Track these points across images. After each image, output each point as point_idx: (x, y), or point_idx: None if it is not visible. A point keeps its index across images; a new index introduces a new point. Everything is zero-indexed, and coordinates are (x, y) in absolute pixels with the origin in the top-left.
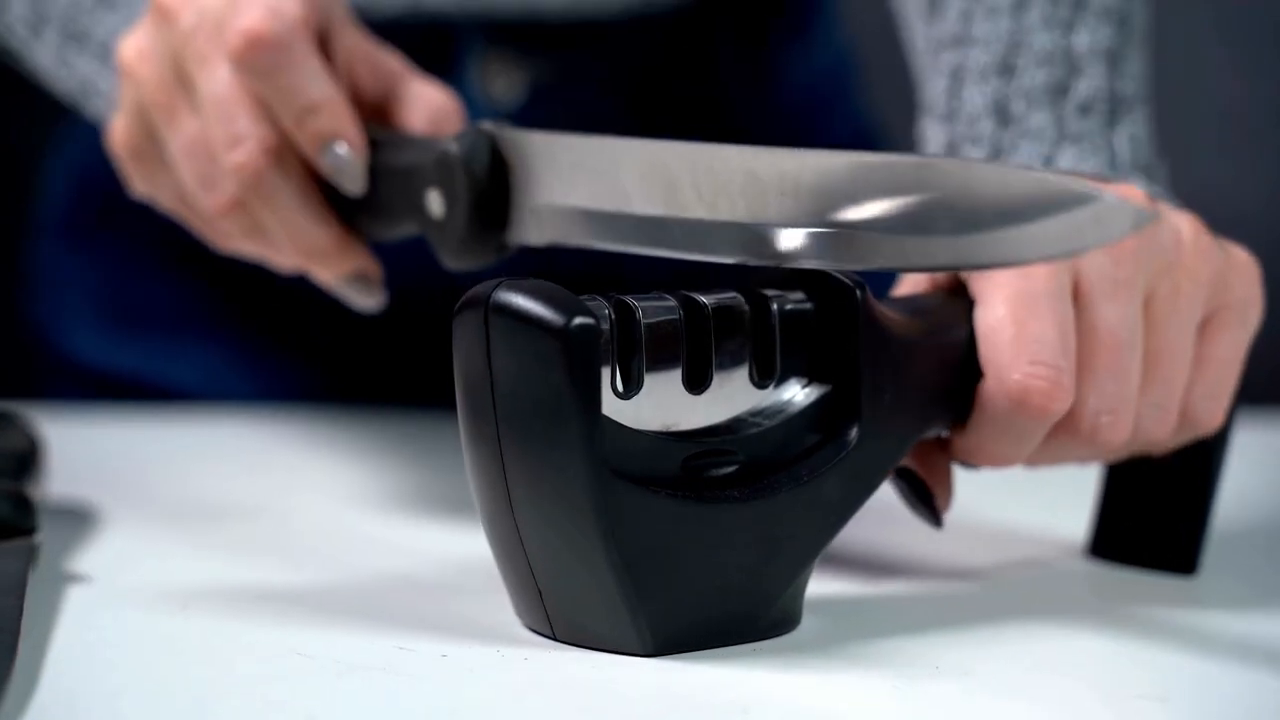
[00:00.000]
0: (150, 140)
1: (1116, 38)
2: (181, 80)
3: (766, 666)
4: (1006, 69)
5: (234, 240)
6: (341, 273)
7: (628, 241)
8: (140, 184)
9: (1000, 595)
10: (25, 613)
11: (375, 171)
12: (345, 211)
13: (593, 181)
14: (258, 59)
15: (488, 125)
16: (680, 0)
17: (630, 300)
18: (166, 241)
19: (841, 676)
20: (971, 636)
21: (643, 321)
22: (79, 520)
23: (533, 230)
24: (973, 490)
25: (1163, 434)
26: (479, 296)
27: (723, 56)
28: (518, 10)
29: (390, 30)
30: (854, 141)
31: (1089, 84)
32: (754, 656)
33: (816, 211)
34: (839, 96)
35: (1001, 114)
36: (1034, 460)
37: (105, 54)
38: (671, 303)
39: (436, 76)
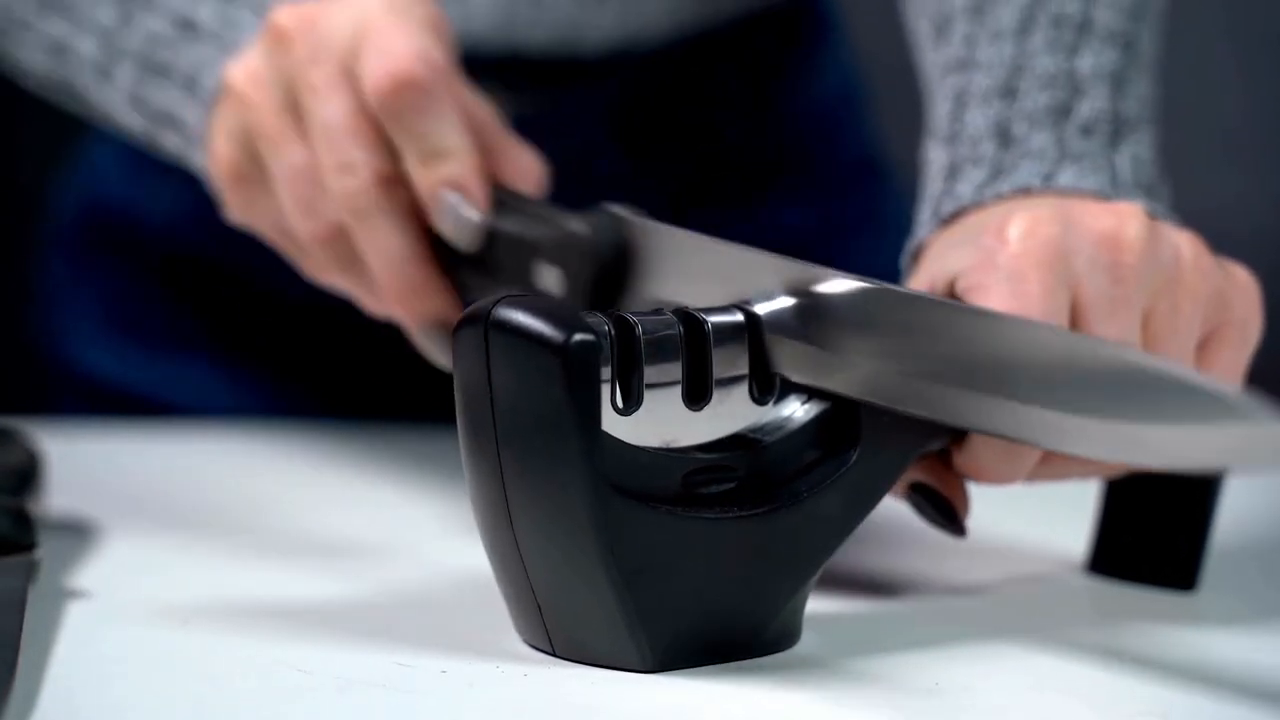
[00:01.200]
0: (253, 165)
1: (1121, 60)
2: (293, 106)
3: (766, 683)
4: (1009, 92)
5: (328, 272)
6: (431, 321)
7: None
8: (238, 209)
9: (1000, 612)
10: (25, 628)
11: (490, 232)
12: (445, 262)
13: (717, 288)
14: (401, 100)
15: (615, 208)
16: (663, 40)
17: (630, 316)
18: (172, 261)
19: (841, 693)
20: (971, 653)
21: (642, 338)
22: (79, 535)
23: None
24: (972, 506)
25: None
26: (479, 313)
27: (721, 86)
28: (499, 48)
29: None
30: (856, 165)
31: (1091, 105)
32: (753, 673)
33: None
34: (845, 123)
35: (1003, 136)
36: (1033, 477)
37: (191, 85)
38: (671, 319)
39: None
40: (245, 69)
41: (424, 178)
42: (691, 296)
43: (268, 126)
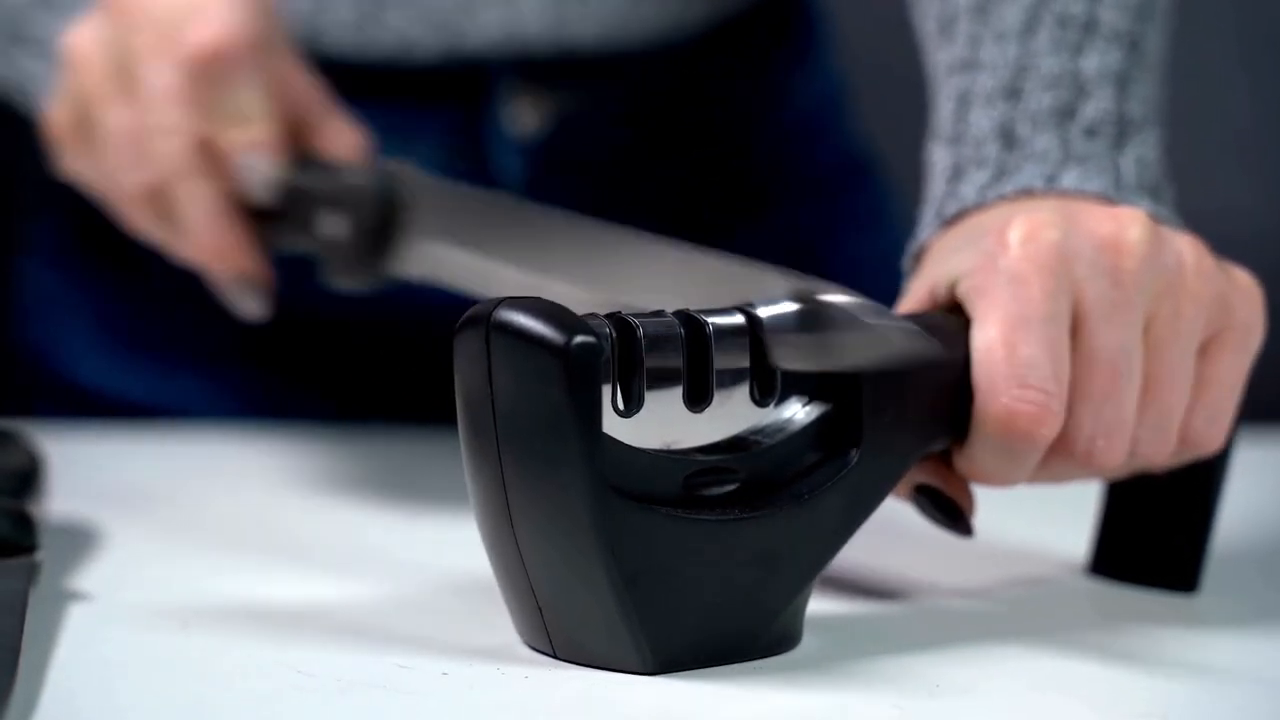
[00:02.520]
0: (84, 123)
1: (1126, 61)
2: (123, 72)
3: (767, 685)
4: (1013, 93)
5: (147, 224)
6: (235, 273)
7: (489, 290)
8: (70, 163)
9: (1000, 613)
10: (26, 631)
11: (286, 187)
12: (251, 219)
13: (470, 233)
14: (209, 68)
15: (394, 164)
16: (700, 29)
17: (631, 318)
18: (166, 266)
19: (842, 695)
20: (971, 655)
21: (643, 340)
22: (80, 538)
23: (409, 265)
24: (977, 506)
25: (1161, 456)
26: (480, 315)
27: (732, 83)
28: (552, 45)
29: (426, 72)
30: (844, 164)
31: (1096, 106)
32: (754, 675)
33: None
34: (832, 121)
35: (1007, 137)
36: (1033, 480)
37: (45, 52)
38: (672, 320)
39: (466, 110)
40: (81, 37)
41: (228, 138)
42: (461, 242)
43: (98, 90)
